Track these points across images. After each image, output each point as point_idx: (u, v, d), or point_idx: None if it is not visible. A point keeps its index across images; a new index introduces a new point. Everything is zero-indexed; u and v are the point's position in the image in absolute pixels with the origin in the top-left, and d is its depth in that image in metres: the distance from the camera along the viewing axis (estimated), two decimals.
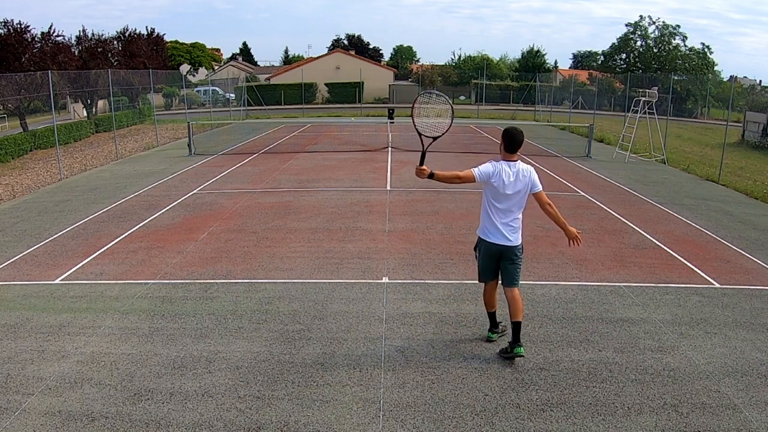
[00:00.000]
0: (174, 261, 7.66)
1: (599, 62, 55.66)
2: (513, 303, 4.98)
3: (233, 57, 76.43)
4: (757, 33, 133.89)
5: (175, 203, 11.03)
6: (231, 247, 8.22)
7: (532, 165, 5.26)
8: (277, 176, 13.86)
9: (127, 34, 30.56)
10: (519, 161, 4.97)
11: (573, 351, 5.25)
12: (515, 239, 4.99)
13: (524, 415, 4.28)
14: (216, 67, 57.30)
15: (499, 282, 5.19)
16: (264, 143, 20.78)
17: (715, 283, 7.10)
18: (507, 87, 49.22)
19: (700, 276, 7.33)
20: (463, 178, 4.93)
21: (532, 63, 55.22)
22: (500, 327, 5.48)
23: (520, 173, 4.91)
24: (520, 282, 6.89)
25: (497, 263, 5.09)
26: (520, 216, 5.06)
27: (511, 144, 4.92)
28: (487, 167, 4.95)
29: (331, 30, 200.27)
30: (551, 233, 9.07)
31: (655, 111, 17.67)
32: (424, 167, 4.79)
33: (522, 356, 4.96)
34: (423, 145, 5.01)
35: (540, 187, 4.99)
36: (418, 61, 79.03)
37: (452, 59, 62.13)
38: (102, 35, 28.38)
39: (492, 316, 5.43)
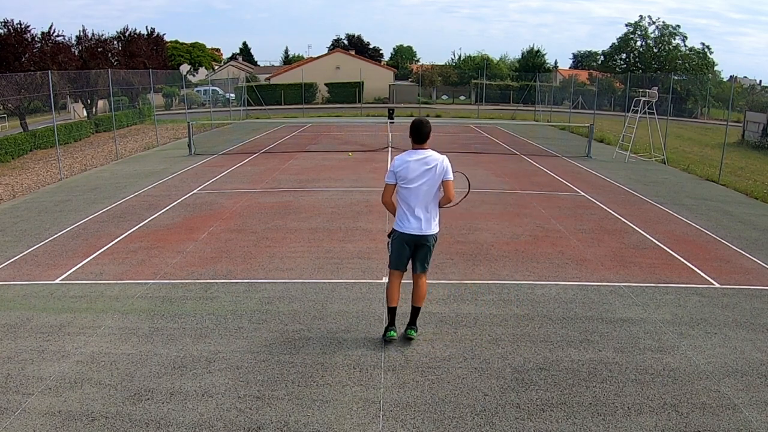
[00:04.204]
0: (174, 261, 7.66)
1: (599, 62, 55.69)
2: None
3: (233, 57, 76.45)
4: (756, 33, 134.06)
5: (175, 203, 11.03)
6: (231, 247, 8.22)
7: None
8: (277, 176, 13.86)
9: (127, 34, 30.57)
10: (428, 150, 5.12)
11: (573, 351, 5.25)
12: (433, 227, 5.19)
13: (524, 415, 4.28)
14: (216, 67, 57.30)
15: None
16: (264, 143, 20.78)
17: (715, 283, 7.10)
18: (507, 87, 49.25)
19: (700, 276, 7.33)
20: (388, 202, 5.21)
21: (532, 63, 55.24)
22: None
23: (429, 162, 5.04)
24: (520, 282, 6.95)
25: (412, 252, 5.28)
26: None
27: (418, 134, 5.08)
28: (392, 165, 5.14)
29: (331, 30, 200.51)
30: (551, 233, 9.08)
31: (655, 111, 17.67)
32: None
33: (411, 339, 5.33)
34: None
35: (450, 177, 5.11)
36: (418, 61, 79.06)
37: (452, 59, 62.24)
38: (102, 35, 28.43)
39: (392, 312, 5.36)
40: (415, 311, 5.38)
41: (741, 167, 17.39)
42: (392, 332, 5.33)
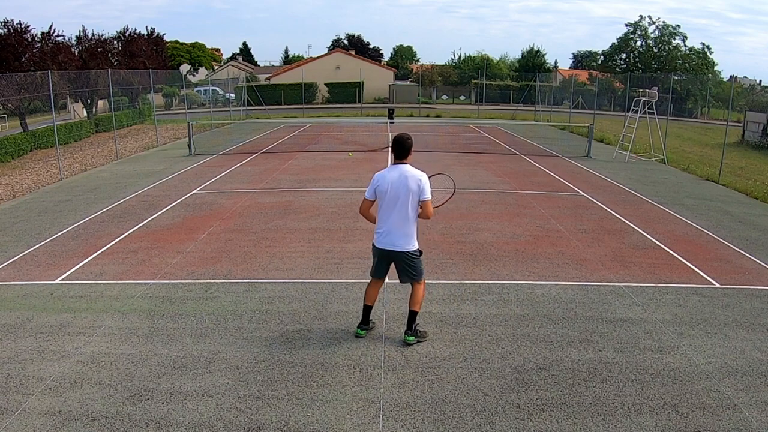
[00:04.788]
0: (174, 261, 7.66)
1: (599, 62, 55.63)
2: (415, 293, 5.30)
3: (233, 57, 76.47)
4: (756, 33, 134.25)
5: (175, 203, 11.03)
6: (231, 247, 8.22)
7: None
8: (277, 176, 13.86)
9: (127, 34, 30.56)
10: (408, 166, 5.12)
11: (573, 351, 5.25)
12: (404, 244, 5.11)
13: (524, 415, 4.28)
14: (216, 67, 57.32)
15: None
16: (264, 143, 20.78)
17: (715, 283, 7.10)
18: (507, 87, 49.25)
19: (700, 276, 7.33)
20: (368, 214, 5.28)
21: (532, 63, 55.26)
22: (370, 324, 5.60)
23: (407, 178, 5.04)
24: (520, 282, 6.94)
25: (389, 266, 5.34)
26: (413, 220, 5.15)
27: (400, 150, 5.09)
28: (372, 180, 5.19)
29: (331, 30, 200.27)
30: (551, 233, 9.08)
31: (655, 111, 17.67)
32: None
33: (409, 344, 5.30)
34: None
35: (428, 197, 5.06)
36: (418, 61, 79.08)
37: (452, 59, 62.28)
38: (102, 35, 28.42)
39: (367, 310, 5.50)
40: (412, 315, 5.33)
41: (741, 167, 17.39)
42: (360, 330, 5.46)
